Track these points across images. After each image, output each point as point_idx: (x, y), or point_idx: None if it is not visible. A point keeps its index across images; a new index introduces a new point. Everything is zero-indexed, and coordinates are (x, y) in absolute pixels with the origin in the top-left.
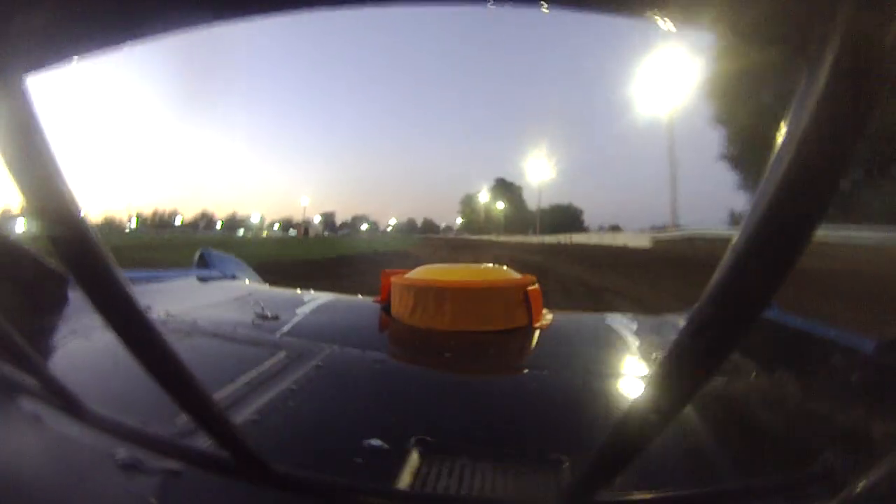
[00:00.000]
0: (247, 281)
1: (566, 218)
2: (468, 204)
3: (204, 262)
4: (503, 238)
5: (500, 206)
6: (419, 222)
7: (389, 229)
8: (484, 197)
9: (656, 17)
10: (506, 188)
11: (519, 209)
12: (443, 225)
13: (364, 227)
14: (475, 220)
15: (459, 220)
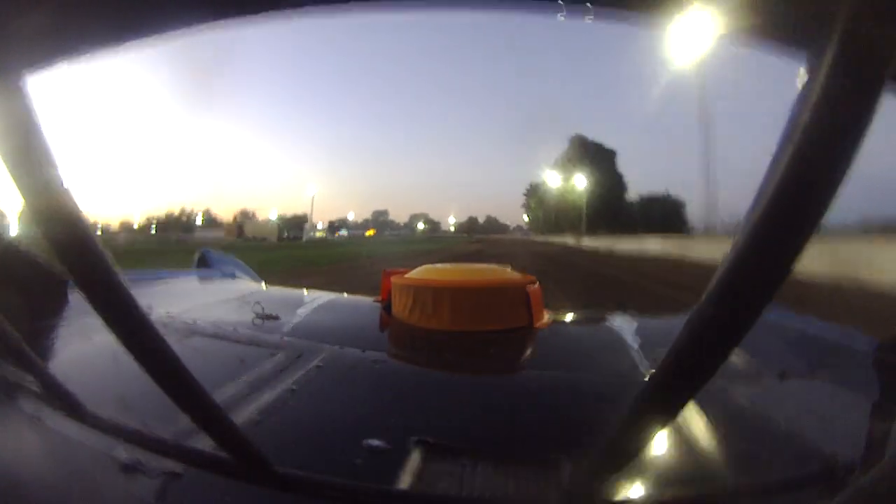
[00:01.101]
0: (247, 281)
1: (664, 212)
2: (535, 194)
3: (204, 262)
4: (593, 243)
5: (582, 183)
6: (481, 220)
7: (452, 228)
8: (554, 180)
9: (657, 19)
10: (590, 154)
11: (613, 190)
12: (511, 225)
13: (420, 226)
14: (546, 214)
15: (526, 218)
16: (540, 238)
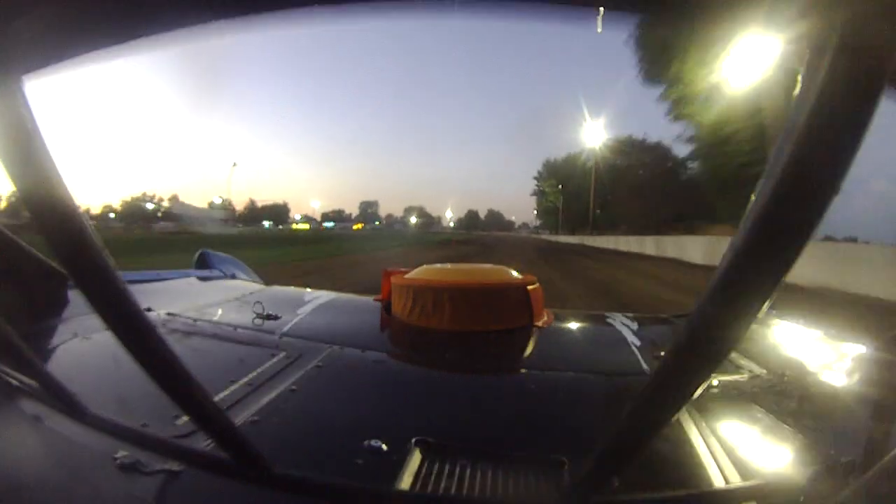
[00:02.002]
0: (247, 281)
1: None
2: (552, 176)
3: (204, 262)
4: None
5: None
6: (482, 214)
7: (451, 224)
8: (595, 136)
9: (656, 17)
10: None
11: None
12: (517, 221)
13: (413, 220)
14: (570, 200)
15: (536, 211)
16: (566, 238)
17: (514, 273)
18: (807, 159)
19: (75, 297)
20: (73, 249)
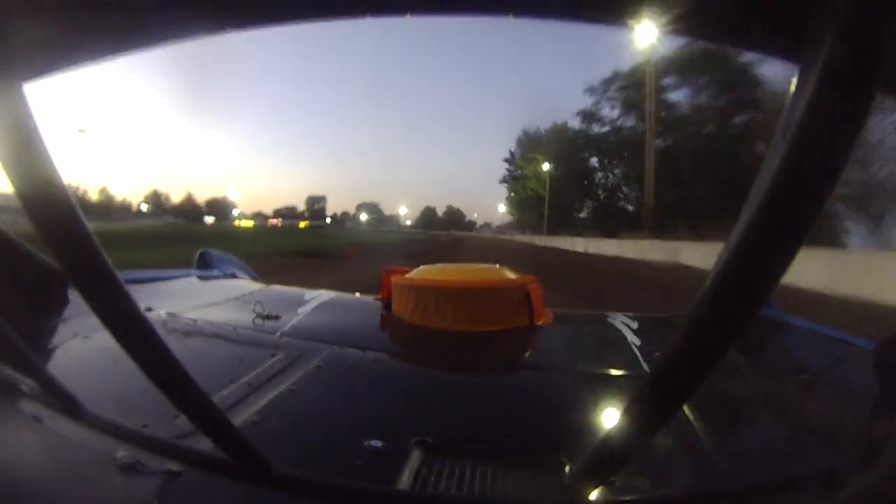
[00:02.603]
0: (247, 281)
1: None
2: (534, 148)
3: (204, 262)
4: None
5: None
6: (440, 212)
7: (408, 221)
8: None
9: (652, 21)
10: None
11: None
12: (479, 220)
13: (364, 217)
14: (561, 186)
15: (503, 207)
16: (572, 244)
17: (515, 273)
18: (803, 158)
19: (75, 297)
20: (73, 250)
